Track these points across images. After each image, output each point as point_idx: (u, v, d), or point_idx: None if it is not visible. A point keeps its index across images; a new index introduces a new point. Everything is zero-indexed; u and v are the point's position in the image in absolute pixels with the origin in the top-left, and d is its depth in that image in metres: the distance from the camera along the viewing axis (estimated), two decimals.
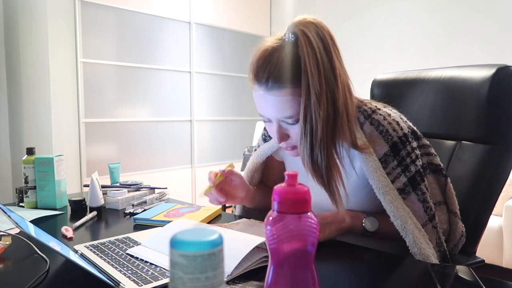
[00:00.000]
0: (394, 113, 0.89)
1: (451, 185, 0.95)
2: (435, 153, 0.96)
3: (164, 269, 0.70)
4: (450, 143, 1.09)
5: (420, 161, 0.87)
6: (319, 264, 0.51)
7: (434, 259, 0.80)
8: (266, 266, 0.50)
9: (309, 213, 0.48)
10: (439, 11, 3.18)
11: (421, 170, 0.86)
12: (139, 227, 1.02)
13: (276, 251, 0.49)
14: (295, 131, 0.83)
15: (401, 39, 3.37)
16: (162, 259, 0.74)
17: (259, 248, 0.72)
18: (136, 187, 1.36)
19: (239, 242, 0.72)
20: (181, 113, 3.65)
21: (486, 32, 2.95)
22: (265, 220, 0.49)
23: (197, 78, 3.74)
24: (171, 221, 1.03)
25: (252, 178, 1.10)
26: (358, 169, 0.87)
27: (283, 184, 0.49)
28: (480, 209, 1.01)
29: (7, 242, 0.81)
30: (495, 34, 2.91)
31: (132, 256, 0.77)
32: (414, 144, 0.87)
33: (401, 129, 0.86)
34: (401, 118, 0.89)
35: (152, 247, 0.80)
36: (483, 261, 0.97)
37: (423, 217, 0.83)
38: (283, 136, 0.85)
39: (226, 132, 4.06)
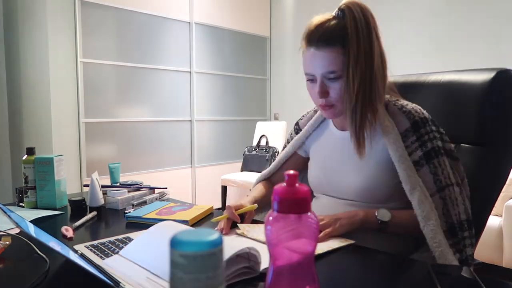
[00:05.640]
0: (416, 105, 1.01)
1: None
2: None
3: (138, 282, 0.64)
4: None
5: (438, 142, 0.94)
6: (319, 264, 0.51)
7: (436, 223, 0.86)
8: (266, 267, 0.50)
9: (309, 213, 0.48)
10: (439, 12, 3.18)
11: (437, 149, 0.93)
12: (138, 226, 1.01)
13: (276, 251, 0.49)
14: (335, 89, 0.94)
15: (402, 39, 3.37)
16: (136, 273, 0.68)
17: (240, 257, 0.65)
18: (136, 187, 1.36)
19: None
20: (181, 113, 3.65)
21: (486, 33, 2.95)
22: (265, 220, 0.50)
23: (197, 78, 3.74)
24: (163, 219, 1.02)
25: (281, 167, 1.20)
26: (381, 143, 0.97)
27: (283, 184, 0.49)
28: (478, 212, 1.00)
29: (7, 242, 0.81)
30: (495, 34, 2.91)
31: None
32: (434, 128, 0.96)
33: (423, 113, 0.97)
34: (422, 109, 1.00)
35: (129, 257, 0.75)
36: (481, 263, 0.96)
37: (432, 188, 0.91)
38: (324, 92, 0.95)
39: (226, 132, 4.06)
